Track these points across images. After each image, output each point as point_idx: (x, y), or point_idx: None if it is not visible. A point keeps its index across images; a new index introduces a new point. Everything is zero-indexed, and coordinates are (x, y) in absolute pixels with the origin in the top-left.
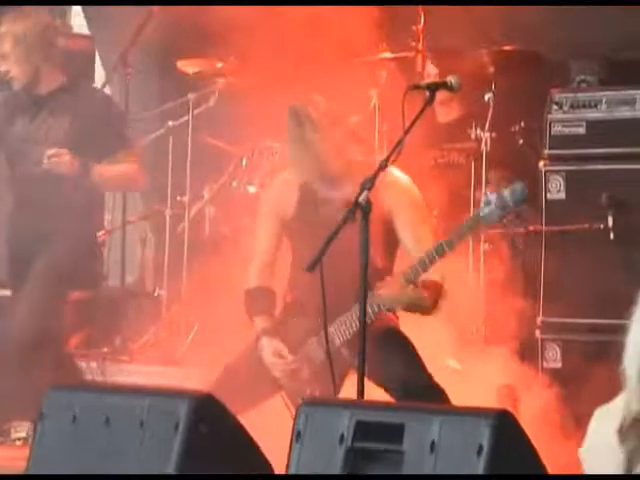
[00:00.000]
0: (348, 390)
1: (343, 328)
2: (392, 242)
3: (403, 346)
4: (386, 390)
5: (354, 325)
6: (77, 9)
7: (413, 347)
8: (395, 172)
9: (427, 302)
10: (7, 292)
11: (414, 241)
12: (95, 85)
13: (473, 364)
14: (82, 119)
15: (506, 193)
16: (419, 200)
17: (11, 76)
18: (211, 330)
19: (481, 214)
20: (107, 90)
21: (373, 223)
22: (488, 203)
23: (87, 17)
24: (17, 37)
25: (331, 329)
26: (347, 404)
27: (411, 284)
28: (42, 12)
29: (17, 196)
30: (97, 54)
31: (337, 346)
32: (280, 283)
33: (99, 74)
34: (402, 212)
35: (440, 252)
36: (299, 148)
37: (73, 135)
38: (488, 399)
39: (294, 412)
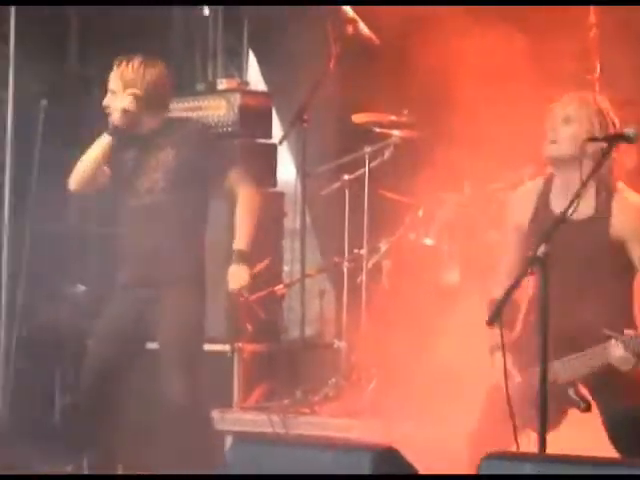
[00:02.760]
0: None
1: (575, 365)
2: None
3: None
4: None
5: (584, 366)
6: (254, 65)
7: None
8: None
9: None
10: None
11: None
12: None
13: None
14: (182, 150)
15: None
16: None
17: (110, 115)
18: (391, 381)
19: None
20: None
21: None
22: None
23: (264, 73)
24: (147, 87)
25: (559, 364)
26: (528, 457)
27: None
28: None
29: (131, 225)
30: (274, 110)
31: (561, 382)
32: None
33: (276, 130)
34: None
35: None
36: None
37: (177, 166)
38: None
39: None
